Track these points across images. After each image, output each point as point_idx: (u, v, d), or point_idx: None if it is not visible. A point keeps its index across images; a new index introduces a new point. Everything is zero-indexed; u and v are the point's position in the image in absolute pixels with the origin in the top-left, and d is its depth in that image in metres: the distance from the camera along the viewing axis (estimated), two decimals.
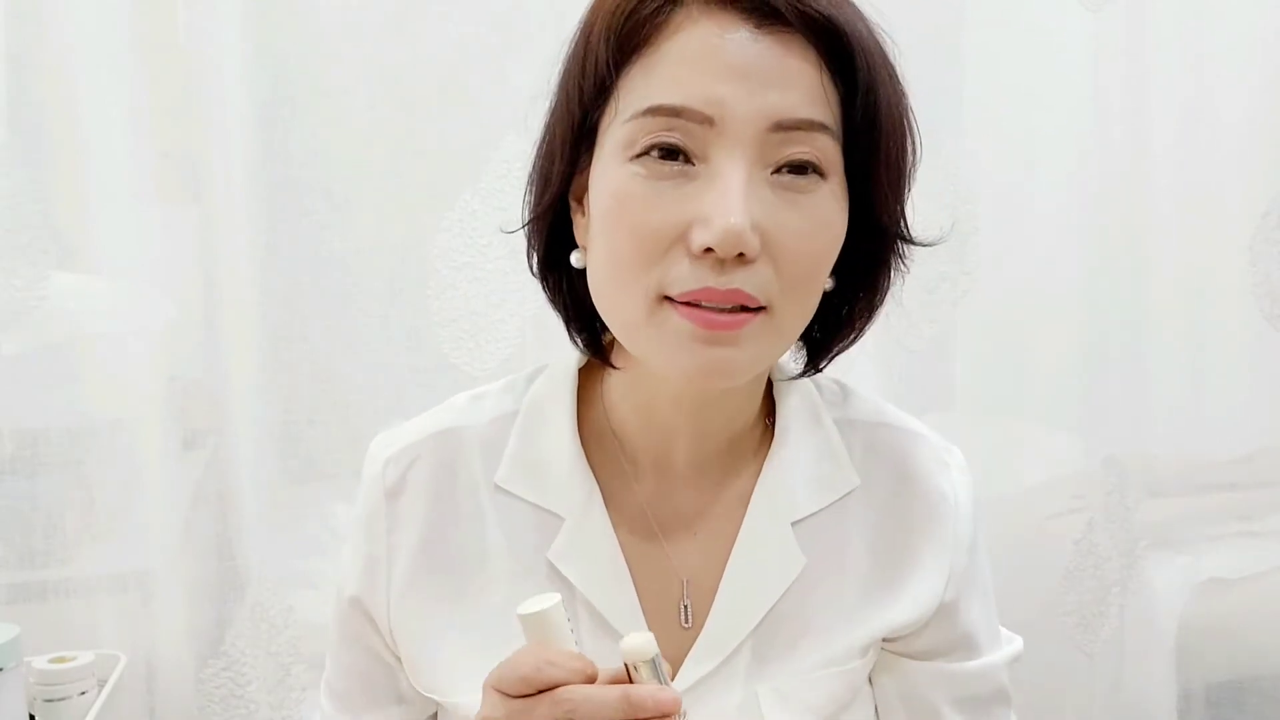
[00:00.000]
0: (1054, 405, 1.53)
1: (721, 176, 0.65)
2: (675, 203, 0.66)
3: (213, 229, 1.21)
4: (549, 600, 0.62)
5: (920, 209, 0.76)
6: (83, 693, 1.10)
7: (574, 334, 0.78)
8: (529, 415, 0.80)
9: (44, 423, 1.19)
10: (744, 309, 0.67)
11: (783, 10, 0.66)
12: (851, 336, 0.78)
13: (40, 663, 1.10)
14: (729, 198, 0.64)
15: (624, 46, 0.68)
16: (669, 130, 0.66)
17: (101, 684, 1.13)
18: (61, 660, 1.11)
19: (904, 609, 0.79)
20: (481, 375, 1.28)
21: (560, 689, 0.60)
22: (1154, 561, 1.55)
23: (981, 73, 1.44)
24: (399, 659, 0.80)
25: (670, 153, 0.66)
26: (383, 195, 1.27)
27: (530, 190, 0.76)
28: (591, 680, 0.61)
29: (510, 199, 0.77)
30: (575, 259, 0.74)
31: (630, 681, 0.62)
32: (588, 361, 0.81)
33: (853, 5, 0.69)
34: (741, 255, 0.65)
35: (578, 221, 0.74)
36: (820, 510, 0.79)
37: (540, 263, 0.77)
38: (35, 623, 1.15)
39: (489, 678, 0.63)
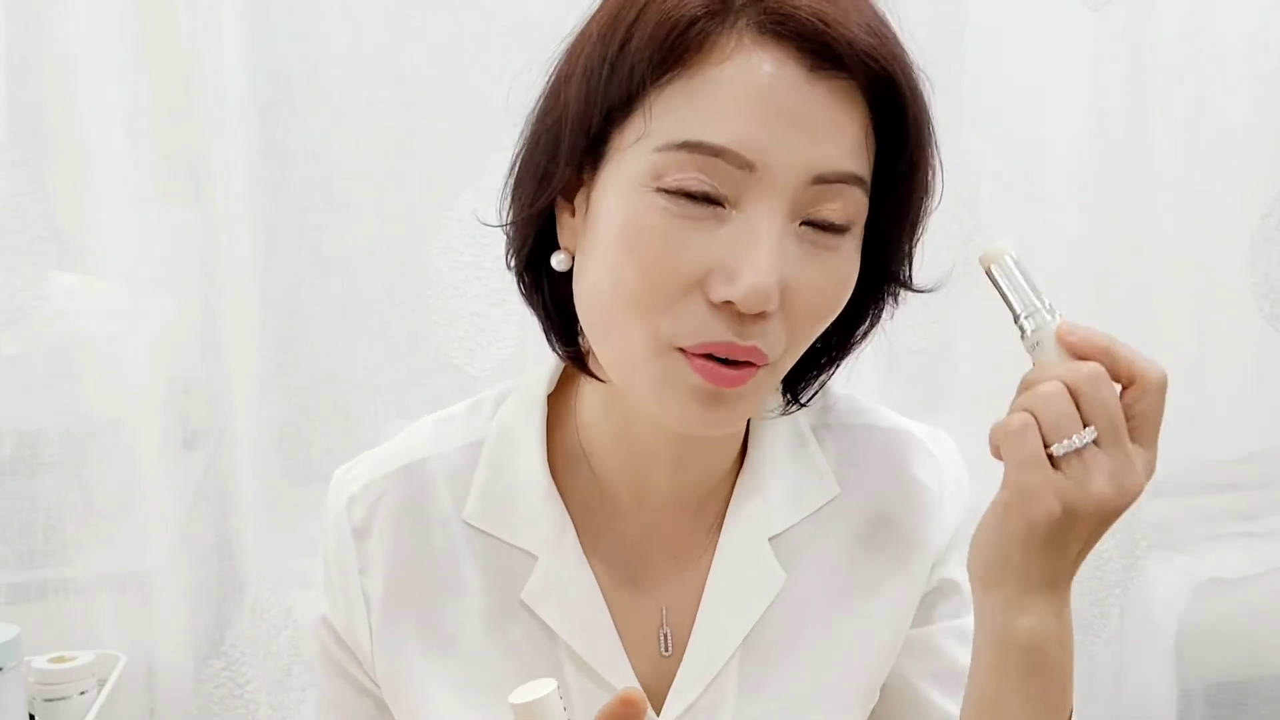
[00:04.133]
0: None
1: (753, 228, 0.61)
2: (699, 245, 0.62)
3: (213, 229, 1.21)
4: (544, 688, 0.60)
5: None
6: (82, 693, 1.10)
7: (553, 339, 0.74)
8: (497, 444, 0.76)
9: (44, 423, 1.19)
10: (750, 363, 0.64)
11: (844, 56, 0.61)
12: (832, 371, 0.75)
13: (40, 663, 1.10)
14: (760, 253, 0.61)
15: (665, 62, 0.62)
16: (703, 170, 0.61)
17: (101, 684, 1.13)
18: (61, 660, 1.11)
19: (885, 621, 0.77)
20: (481, 375, 1.27)
21: None
22: (1155, 561, 1.54)
23: (982, 72, 1.44)
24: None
25: (701, 196, 0.62)
26: (383, 195, 1.26)
27: (519, 185, 0.71)
28: None
29: None
30: (557, 261, 0.69)
31: None
32: (558, 382, 0.78)
33: (898, 43, 0.65)
34: (761, 312, 0.62)
35: (564, 221, 0.69)
36: (798, 523, 0.76)
37: (523, 261, 0.72)
38: (35, 623, 1.15)
39: None
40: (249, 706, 1.24)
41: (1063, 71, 1.45)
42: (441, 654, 0.74)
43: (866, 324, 0.74)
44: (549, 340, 0.74)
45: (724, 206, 0.62)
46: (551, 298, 0.72)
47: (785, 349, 0.65)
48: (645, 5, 0.63)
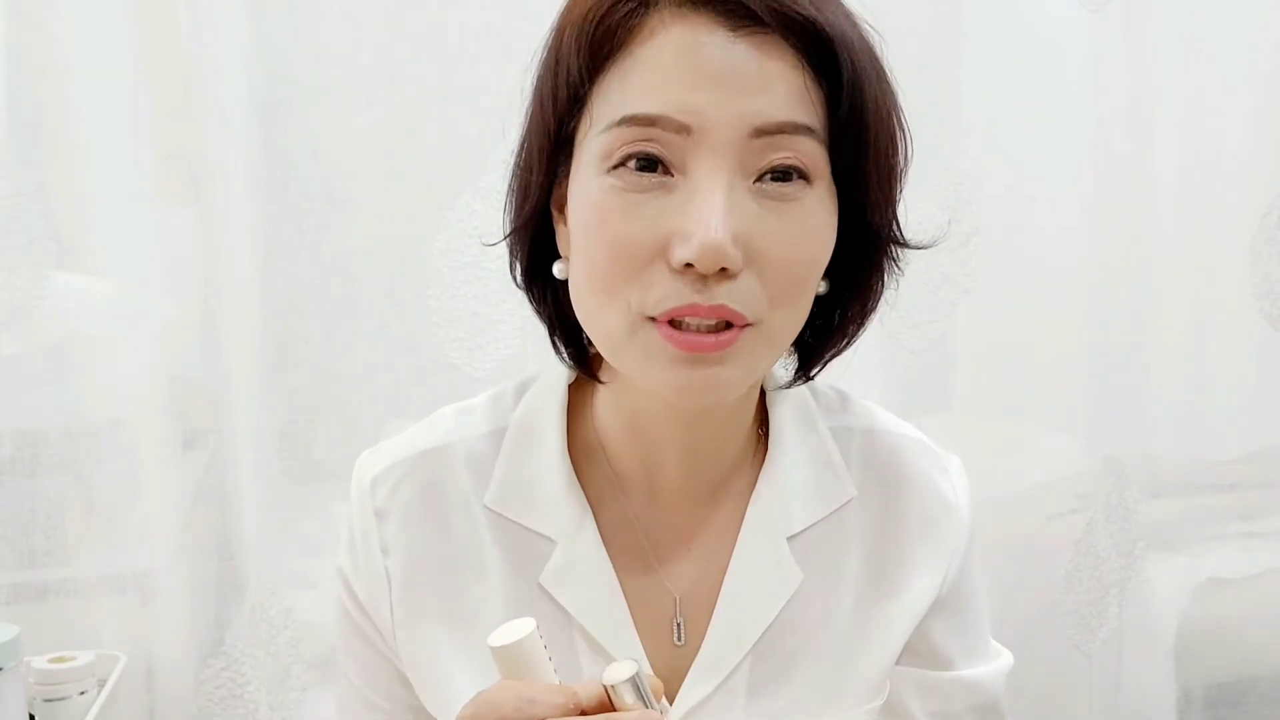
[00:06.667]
0: (1054, 405, 1.53)
1: (701, 189, 0.63)
2: (654, 216, 0.63)
3: (213, 229, 1.21)
4: (523, 629, 0.58)
5: (920, 209, 0.75)
6: (82, 693, 1.10)
7: (558, 346, 0.76)
8: (518, 432, 0.77)
9: (44, 423, 1.19)
10: (729, 325, 0.64)
11: (759, 11, 0.63)
12: (844, 342, 0.75)
13: (40, 663, 1.10)
14: (709, 211, 0.62)
15: (596, 54, 0.65)
16: (646, 140, 0.63)
17: (101, 684, 1.12)
18: (61, 660, 1.11)
19: (900, 624, 0.78)
20: (481, 376, 1.27)
21: None
22: (1154, 562, 1.54)
23: (982, 73, 1.44)
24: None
25: (648, 164, 0.64)
26: (383, 195, 1.26)
27: (510, 200, 0.73)
28: (576, 710, 0.57)
29: None
30: (558, 269, 0.71)
31: (611, 707, 0.58)
32: (579, 374, 0.79)
33: (836, 1, 0.66)
34: (724, 270, 0.63)
35: (560, 231, 0.71)
36: (816, 523, 0.77)
37: (523, 273, 0.74)
38: (35, 623, 1.15)
39: (463, 715, 0.59)
40: (249, 706, 1.24)
41: (1062, 71, 1.46)
42: (462, 633, 0.75)
43: (868, 289, 0.73)
44: (555, 348, 0.76)
45: (671, 175, 0.64)
46: (555, 305, 0.74)
47: (769, 306, 0.65)
48: (575, 3, 0.67)
